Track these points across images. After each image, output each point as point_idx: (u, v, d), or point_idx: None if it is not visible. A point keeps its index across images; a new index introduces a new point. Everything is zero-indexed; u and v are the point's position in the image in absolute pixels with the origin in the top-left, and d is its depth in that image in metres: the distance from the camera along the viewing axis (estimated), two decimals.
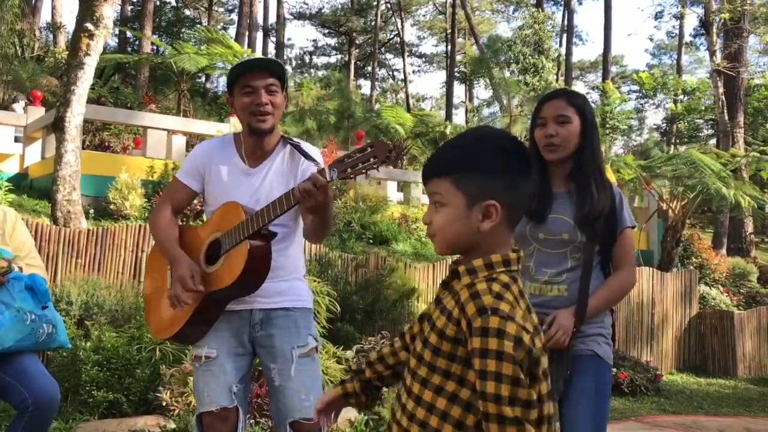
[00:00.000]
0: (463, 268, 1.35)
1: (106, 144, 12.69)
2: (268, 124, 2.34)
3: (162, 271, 2.45)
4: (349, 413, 4.49)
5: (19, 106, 11.99)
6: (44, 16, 23.68)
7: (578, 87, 36.79)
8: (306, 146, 2.41)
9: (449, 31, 30.52)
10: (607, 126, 21.16)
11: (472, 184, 1.34)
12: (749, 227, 14.85)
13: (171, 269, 2.32)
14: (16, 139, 10.18)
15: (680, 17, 24.10)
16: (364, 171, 2.06)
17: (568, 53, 27.27)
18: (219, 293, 2.25)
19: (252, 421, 3.94)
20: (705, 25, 16.15)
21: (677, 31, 29.24)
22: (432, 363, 1.33)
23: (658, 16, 27.18)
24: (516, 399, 1.20)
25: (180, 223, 2.49)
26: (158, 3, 25.42)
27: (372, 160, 2.04)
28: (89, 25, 6.59)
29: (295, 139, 2.46)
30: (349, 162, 2.07)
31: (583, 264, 2.24)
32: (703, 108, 23.61)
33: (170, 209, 2.45)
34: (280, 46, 29.66)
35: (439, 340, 1.32)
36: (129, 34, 23.08)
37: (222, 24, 32.57)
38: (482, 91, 36.58)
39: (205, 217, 2.49)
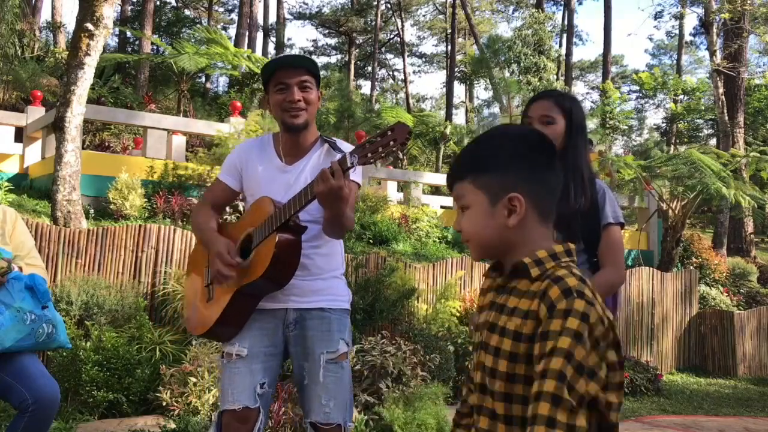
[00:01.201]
0: (529, 260, 1.28)
1: (106, 144, 12.69)
2: (301, 119, 2.36)
3: (200, 270, 2.47)
4: None
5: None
6: (44, 16, 23.68)
7: (578, 87, 36.82)
8: (342, 144, 2.40)
9: (449, 31, 30.52)
10: (607, 126, 21.16)
11: (491, 180, 1.32)
12: (749, 227, 14.84)
13: (209, 250, 2.34)
14: (16, 138, 10.19)
15: (680, 17, 24.10)
16: (384, 155, 2.03)
17: (568, 53, 27.26)
18: (250, 286, 2.25)
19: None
20: (705, 25, 16.15)
21: (677, 31, 29.24)
22: (510, 372, 1.23)
23: (657, 16, 27.01)
24: (574, 388, 1.13)
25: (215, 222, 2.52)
26: (158, 3, 25.43)
27: (392, 143, 2.01)
28: (89, 25, 6.59)
29: (332, 138, 2.46)
30: (370, 147, 2.04)
31: None
32: (703, 108, 23.59)
33: (209, 207, 2.51)
34: (280, 46, 29.65)
35: (515, 343, 1.23)
36: (129, 34, 23.09)
37: (222, 24, 32.58)
38: (482, 91, 36.57)
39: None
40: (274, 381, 2.38)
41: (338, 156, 2.14)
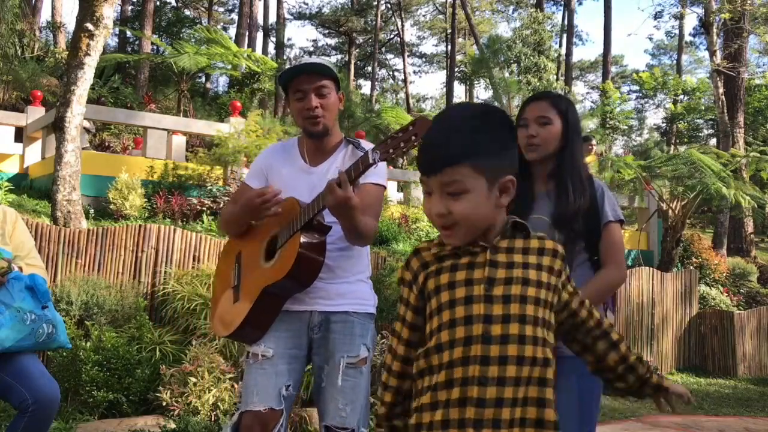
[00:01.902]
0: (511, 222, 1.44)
1: (106, 144, 12.69)
2: (320, 126, 2.37)
3: (227, 273, 2.46)
4: None
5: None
6: (44, 16, 23.67)
7: (578, 87, 36.82)
8: (366, 144, 2.40)
9: (449, 31, 30.53)
10: (608, 126, 21.16)
11: (491, 163, 1.35)
12: (749, 227, 14.83)
13: (244, 209, 2.31)
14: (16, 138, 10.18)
15: (680, 17, 24.09)
16: (405, 150, 2.03)
17: (568, 53, 27.25)
18: (275, 287, 2.24)
19: None
20: (705, 25, 16.14)
21: (677, 31, 29.24)
22: (537, 316, 1.37)
23: (657, 16, 26.98)
24: None
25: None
26: (158, 3, 25.42)
27: (413, 138, 2.01)
28: (89, 25, 6.59)
29: (355, 139, 2.46)
30: (391, 143, 2.04)
31: None
32: (703, 108, 23.59)
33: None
34: (280, 46, 29.64)
35: (538, 290, 1.39)
36: (129, 34, 23.09)
37: (222, 24, 32.59)
38: (482, 91, 36.57)
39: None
40: (298, 384, 2.37)
41: (361, 153, 2.15)
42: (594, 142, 10.87)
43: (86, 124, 10.55)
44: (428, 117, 1.92)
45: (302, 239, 2.18)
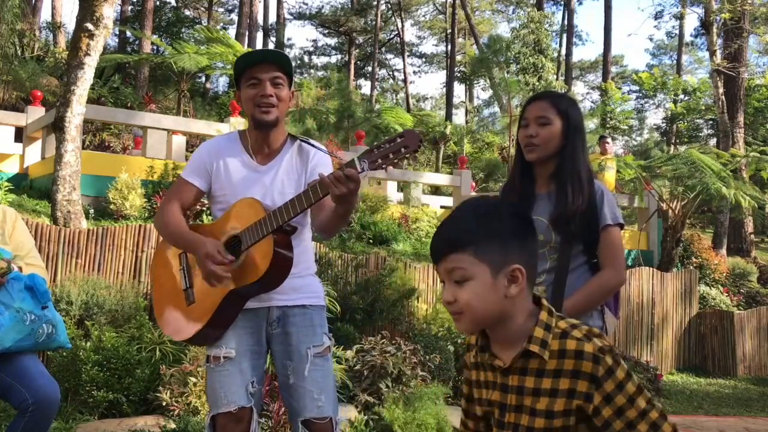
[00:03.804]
0: (535, 347, 1.35)
1: (106, 144, 12.69)
2: (272, 116, 2.34)
3: (171, 273, 2.42)
4: (350, 413, 4.49)
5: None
6: (44, 16, 23.69)
7: (578, 87, 36.81)
8: (314, 142, 2.42)
9: (449, 31, 30.51)
10: (608, 126, 21.16)
11: (494, 251, 1.36)
12: (749, 227, 14.83)
13: (195, 252, 2.26)
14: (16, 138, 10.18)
15: (680, 17, 24.08)
16: (395, 161, 2.01)
17: (568, 53, 27.25)
18: (243, 289, 2.23)
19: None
20: (705, 24, 16.13)
21: (677, 31, 29.22)
22: None
23: (658, 16, 26.97)
24: (651, 402, 1.32)
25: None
26: (158, 3, 25.40)
27: (403, 150, 1.99)
28: (89, 25, 6.59)
29: (302, 136, 2.45)
30: (380, 153, 2.02)
31: (558, 265, 2.25)
32: (703, 108, 23.59)
33: (177, 206, 2.41)
34: (280, 46, 29.64)
35: (548, 420, 1.33)
36: (129, 34, 23.08)
37: (222, 24, 32.56)
38: (482, 91, 36.57)
39: (211, 215, 2.46)
40: (262, 379, 2.38)
41: (327, 159, 2.19)
42: (609, 140, 10.83)
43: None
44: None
45: (275, 242, 2.17)
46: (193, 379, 4.37)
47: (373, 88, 33.17)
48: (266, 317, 2.36)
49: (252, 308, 2.33)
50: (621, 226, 2.31)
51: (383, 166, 2.02)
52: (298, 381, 2.29)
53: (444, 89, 34.41)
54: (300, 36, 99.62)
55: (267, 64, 2.33)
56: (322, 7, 37.25)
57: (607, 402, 1.29)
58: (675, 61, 31.19)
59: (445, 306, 1.41)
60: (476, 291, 1.35)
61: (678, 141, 26.51)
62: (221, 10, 34.01)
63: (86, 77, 6.65)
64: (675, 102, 24.41)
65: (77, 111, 6.61)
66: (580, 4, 38.38)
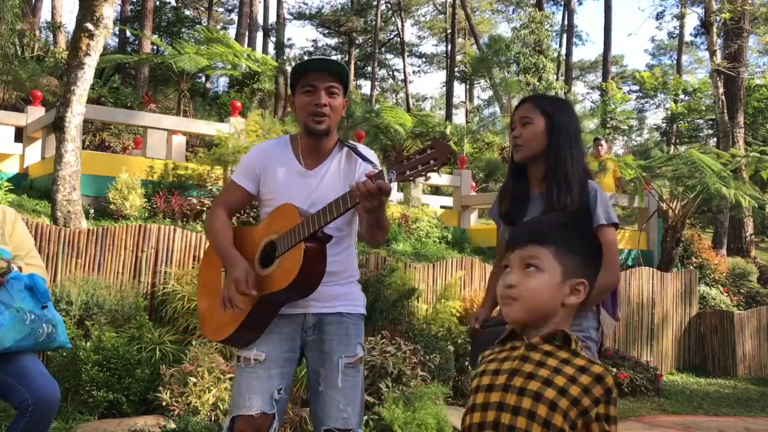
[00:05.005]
0: (575, 337, 1.42)
1: (106, 144, 12.68)
2: (324, 125, 2.33)
3: (217, 273, 2.42)
4: None
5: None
6: (44, 16, 23.66)
7: (578, 87, 36.82)
8: (363, 149, 2.38)
9: (449, 31, 30.52)
10: (608, 126, 21.15)
11: (574, 260, 1.43)
12: (749, 227, 14.82)
13: (227, 269, 2.28)
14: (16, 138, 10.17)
15: (680, 17, 24.07)
16: (423, 173, 1.99)
17: (568, 53, 27.24)
18: (274, 296, 2.22)
19: None
20: (705, 24, 16.12)
21: (677, 31, 29.21)
22: (547, 419, 1.34)
23: (659, 16, 26.95)
24: None
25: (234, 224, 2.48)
26: (158, 3, 25.41)
27: (432, 162, 1.97)
28: (89, 25, 6.59)
29: (351, 142, 2.43)
30: (408, 164, 2.01)
31: None
32: (703, 108, 23.58)
33: (224, 211, 2.42)
34: (280, 46, 29.63)
35: (550, 412, 1.35)
36: (129, 34, 23.08)
37: (222, 24, 32.59)
38: (482, 91, 36.56)
39: (261, 219, 2.46)
40: (290, 387, 2.37)
41: (368, 167, 2.15)
42: (603, 142, 10.85)
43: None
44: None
45: (306, 249, 2.15)
46: (193, 379, 4.37)
47: (373, 88, 33.18)
48: (302, 323, 2.34)
49: (289, 314, 2.32)
50: (615, 226, 2.31)
51: (410, 178, 2.01)
52: (327, 389, 2.27)
53: (444, 89, 34.43)
54: (300, 36, 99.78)
55: (323, 72, 2.33)
56: (322, 7, 37.22)
57: (606, 421, 1.36)
58: (675, 61, 31.19)
59: (501, 289, 1.45)
60: (543, 284, 1.41)
61: (678, 141, 26.52)
62: (221, 10, 34.03)
63: (86, 77, 6.65)
64: (675, 102, 24.40)
65: (77, 111, 6.61)
66: (580, 4, 38.39)
